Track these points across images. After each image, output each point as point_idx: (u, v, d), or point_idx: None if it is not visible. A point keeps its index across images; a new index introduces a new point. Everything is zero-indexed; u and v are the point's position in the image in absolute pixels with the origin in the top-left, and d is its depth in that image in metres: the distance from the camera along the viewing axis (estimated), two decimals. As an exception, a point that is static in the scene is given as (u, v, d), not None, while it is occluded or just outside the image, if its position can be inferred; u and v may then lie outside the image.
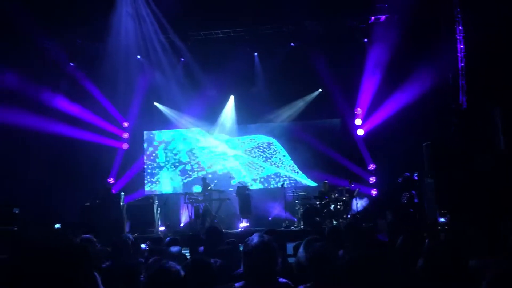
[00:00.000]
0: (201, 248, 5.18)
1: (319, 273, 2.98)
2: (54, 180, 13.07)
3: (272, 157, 14.54)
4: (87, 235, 5.35)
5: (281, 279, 3.08)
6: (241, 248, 4.43)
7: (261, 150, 14.63)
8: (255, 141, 14.71)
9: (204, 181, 13.00)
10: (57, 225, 11.56)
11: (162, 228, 12.24)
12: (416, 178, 11.07)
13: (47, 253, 1.48)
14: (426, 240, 4.87)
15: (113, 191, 12.93)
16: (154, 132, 15.17)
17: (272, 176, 14.43)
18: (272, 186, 14.30)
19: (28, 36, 12.20)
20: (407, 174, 11.22)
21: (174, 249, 5.25)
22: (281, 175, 14.34)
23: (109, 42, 13.14)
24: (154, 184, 14.80)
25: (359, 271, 2.62)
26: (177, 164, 14.90)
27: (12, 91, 12.25)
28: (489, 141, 10.39)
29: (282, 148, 14.52)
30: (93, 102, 13.98)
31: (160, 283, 2.50)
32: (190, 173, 14.77)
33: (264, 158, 14.57)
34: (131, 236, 5.25)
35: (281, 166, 14.45)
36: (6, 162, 12.52)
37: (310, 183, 14.10)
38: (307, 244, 3.21)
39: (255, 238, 3.09)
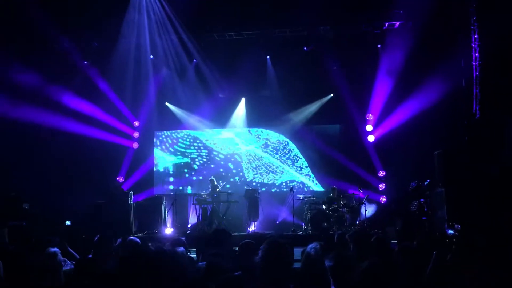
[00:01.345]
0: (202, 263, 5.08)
1: (340, 280, 2.97)
2: (64, 177, 13.21)
3: (286, 158, 14.51)
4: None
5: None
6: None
7: (275, 151, 14.63)
8: (269, 140, 14.68)
9: (212, 183, 12.97)
10: (67, 222, 11.67)
11: (170, 229, 12.24)
12: (426, 186, 10.96)
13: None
14: (434, 253, 4.78)
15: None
16: (164, 132, 15.21)
17: (281, 181, 14.40)
18: (281, 190, 14.26)
19: (43, 36, 12.37)
20: (415, 183, 11.13)
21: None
22: (288, 179, 14.30)
23: (122, 41, 13.22)
24: (163, 184, 14.80)
25: (373, 279, 2.60)
26: (187, 164, 14.92)
27: (25, 89, 12.38)
28: (501, 152, 10.27)
29: (296, 148, 14.50)
30: (105, 101, 14.06)
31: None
32: (199, 173, 14.78)
33: (279, 159, 14.55)
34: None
35: (294, 168, 14.41)
36: (18, 158, 12.68)
37: (319, 187, 14.04)
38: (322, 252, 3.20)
39: (269, 242, 3.10)
